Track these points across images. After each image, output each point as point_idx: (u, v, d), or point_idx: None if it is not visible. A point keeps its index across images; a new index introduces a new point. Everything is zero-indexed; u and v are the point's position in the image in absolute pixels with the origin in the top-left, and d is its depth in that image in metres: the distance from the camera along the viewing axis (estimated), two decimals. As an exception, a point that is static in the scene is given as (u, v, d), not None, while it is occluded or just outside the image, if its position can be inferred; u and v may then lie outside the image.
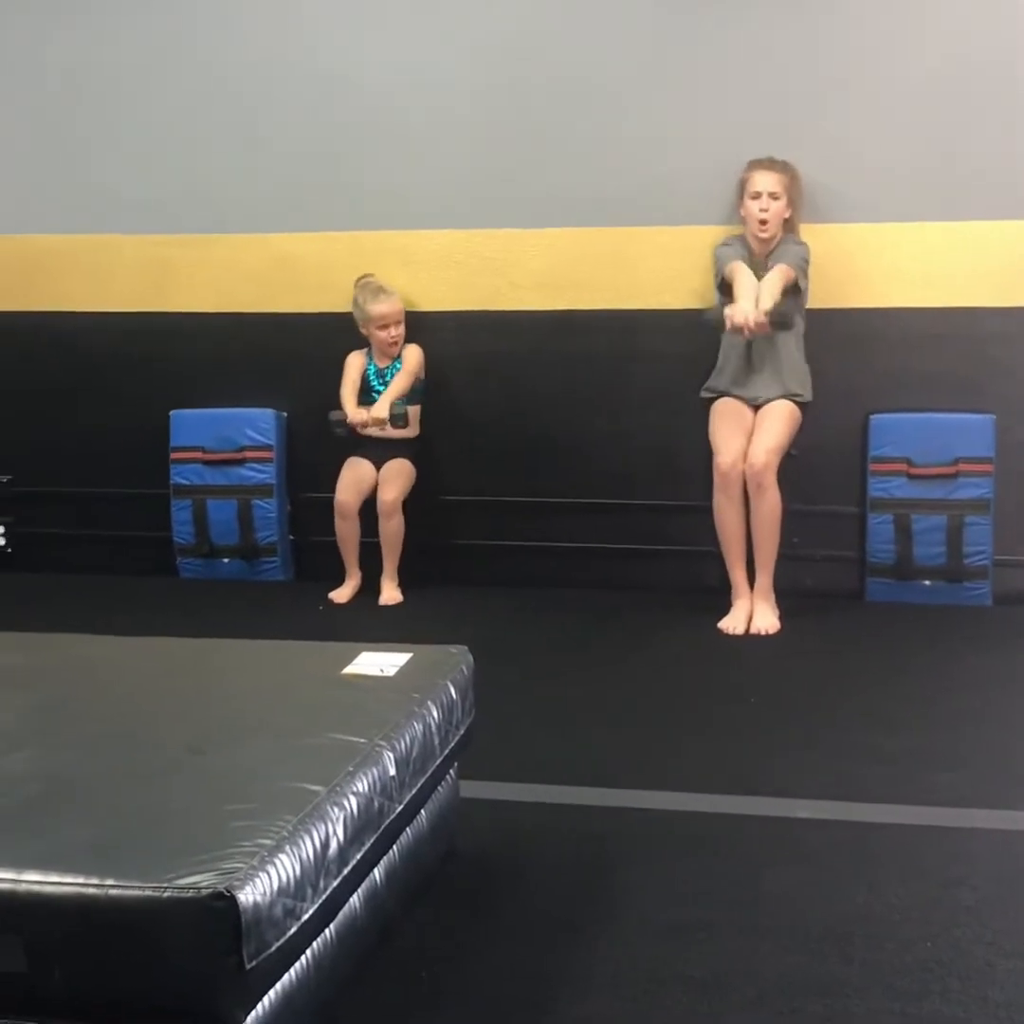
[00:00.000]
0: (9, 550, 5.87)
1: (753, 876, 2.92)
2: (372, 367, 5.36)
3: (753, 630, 4.73)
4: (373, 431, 5.23)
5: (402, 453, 5.31)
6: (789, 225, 4.95)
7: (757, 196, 4.86)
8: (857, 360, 5.07)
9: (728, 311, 4.69)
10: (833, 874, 2.93)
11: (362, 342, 5.37)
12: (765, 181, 4.87)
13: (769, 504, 4.74)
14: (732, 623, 4.76)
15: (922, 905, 2.78)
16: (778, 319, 4.68)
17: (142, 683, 2.88)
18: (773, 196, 4.85)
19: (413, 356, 5.32)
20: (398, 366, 5.31)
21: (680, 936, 2.67)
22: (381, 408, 5.18)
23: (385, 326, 5.28)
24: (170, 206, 5.54)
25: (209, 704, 2.72)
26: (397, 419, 5.14)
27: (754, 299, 4.70)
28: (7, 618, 4.21)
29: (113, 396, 5.70)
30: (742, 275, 4.78)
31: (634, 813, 3.27)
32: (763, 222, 4.86)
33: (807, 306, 4.91)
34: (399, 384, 5.26)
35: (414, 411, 5.34)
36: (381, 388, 5.30)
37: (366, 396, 5.33)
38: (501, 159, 5.27)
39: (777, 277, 4.76)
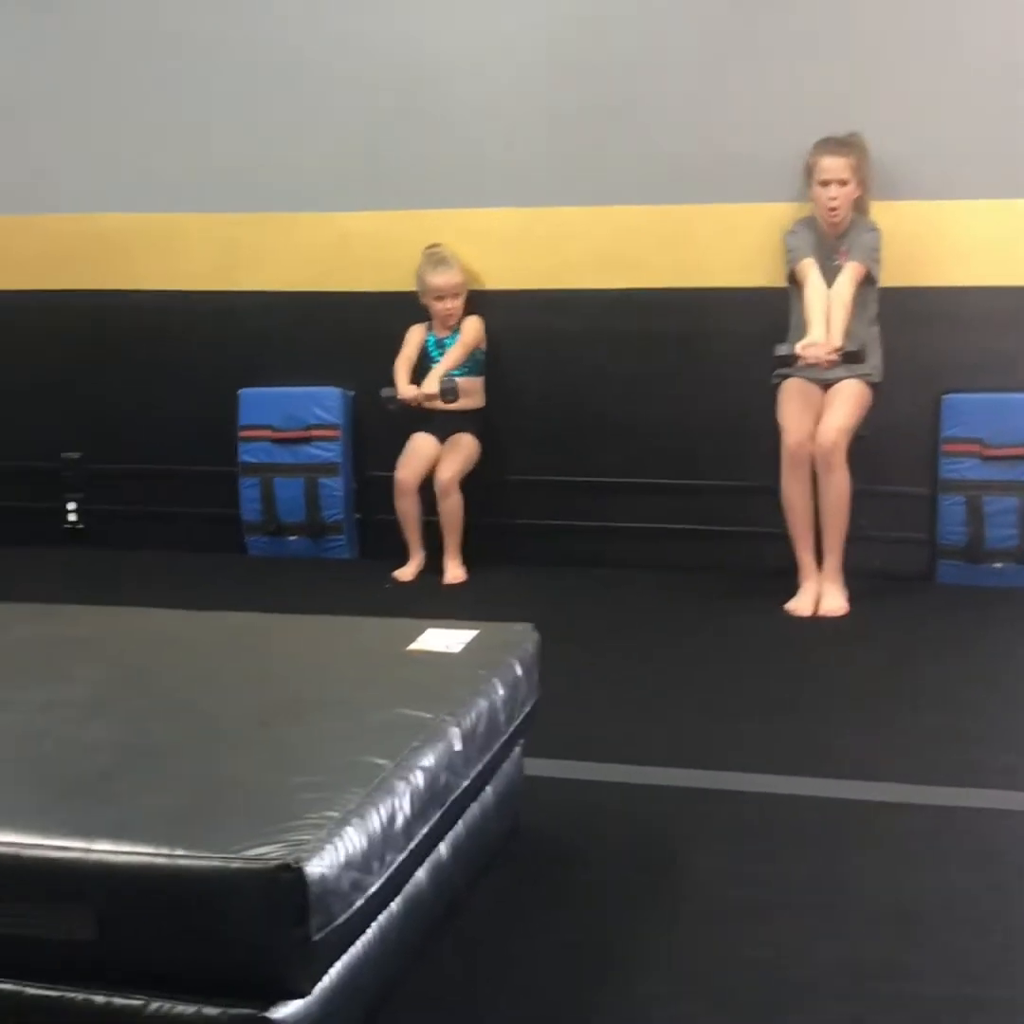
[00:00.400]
0: (81, 526, 5.93)
1: (821, 858, 2.90)
2: (431, 338, 5.36)
3: (821, 612, 4.69)
4: (438, 403, 5.22)
5: (466, 427, 5.31)
6: (860, 204, 4.88)
7: (825, 184, 4.79)
8: (930, 339, 5.00)
9: (800, 349, 4.65)
10: (902, 857, 2.90)
11: (427, 317, 5.39)
12: (832, 167, 4.78)
13: (838, 484, 4.69)
14: (800, 605, 4.72)
15: (994, 889, 2.75)
16: (851, 357, 4.66)
17: (211, 656, 2.90)
18: (841, 183, 4.78)
19: (471, 328, 5.31)
20: (457, 337, 5.31)
21: (746, 917, 2.65)
22: (431, 383, 5.17)
23: (441, 298, 5.27)
24: (239, 185, 5.57)
25: (277, 678, 2.73)
26: (447, 393, 5.13)
27: (825, 318, 4.66)
28: (79, 593, 4.26)
29: (183, 374, 5.74)
30: (812, 287, 4.73)
31: (700, 793, 3.26)
32: (833, 209, 4.80)
33: (880, 285, 4.85)
34: (452, 358, 5.24)
35: (477, 382, 5.35)
36: (440, 359, 5.31)
37: (424, 367, 5.33)
38: (562, 137, 5.25)
39: (848, 282, 4.72)
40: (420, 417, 5.31)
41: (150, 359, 5.77)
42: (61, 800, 2.08)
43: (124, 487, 5.86)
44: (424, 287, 5.30)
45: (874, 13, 4.94)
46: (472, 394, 5.33)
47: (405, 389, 5.22)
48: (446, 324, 5.33)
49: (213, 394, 5.65)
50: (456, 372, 5.24)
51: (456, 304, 5.29)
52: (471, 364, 5.32)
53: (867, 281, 4.79)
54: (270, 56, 5.48)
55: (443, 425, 5.29)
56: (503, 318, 5.37)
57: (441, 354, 5.31)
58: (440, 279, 5.27)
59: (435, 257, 5.29)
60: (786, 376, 4.86)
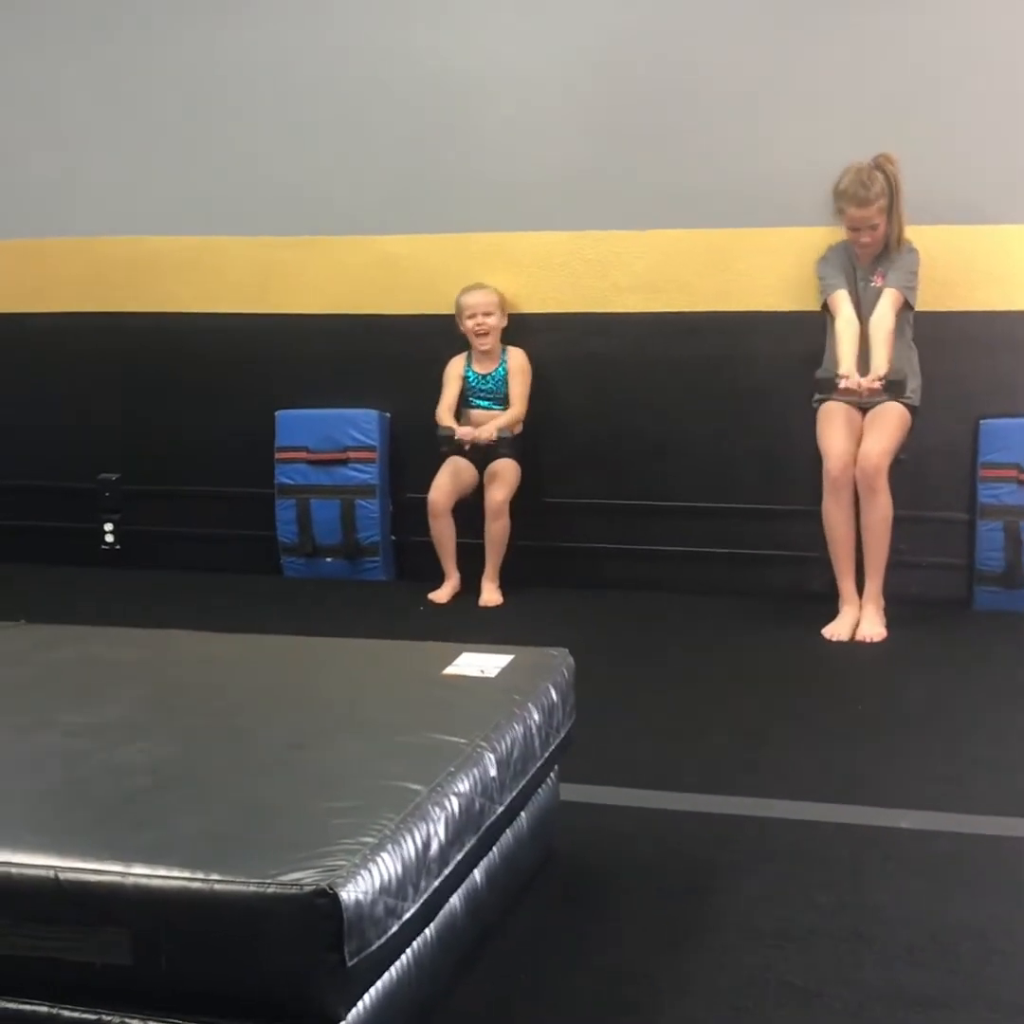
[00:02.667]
0: (118, 547, 5.96)
1: (856, 886, 2.88)
2: (471, 374, 5.38)
3: (859, 637, 4.66)
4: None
5: (506, 453, 5.31)
6: (895, 226, 4.83)
7: (855, 230, 4.77)
8: (968, 364, 4.99)
9: (838, 379, 4.63)
10: (937, 885, 2.88)
11: (464, 344, 5.40)
12: (862, 218, 4.72)
13: (881, 508, 4.67)
14: (837, 630, 4.70)
15: (1030, 919, 2.73)
16: (892, 388, 4.64)
17: (247, 679, 2.91)
18: (872, 228, 4.75)
19: (519, 375, 5.32)
20: (500, 373, 5.33)
21: (781, 944, 2.63)
22: (490, 431, 5.20)
23: (473, 315, 5.29)
24: (277, 208, 5.61)
25: (312, 701, 2.73)
26: (502, 443, 5.21)
27: (854, 353, 4.67)
28: (116, 614, 4.29)
29: (220, 396, 5.78)
30: (843, 320, 4.72)
31: (736, 820, 3.24)
32: (866, 248, 4.78)
33: (917, 309, 4.83)
34: (513, 415, 5.29)
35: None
36: (482, 392, 5.34)
37: (465, 402, 5.37)
38: (605, 160, 5.27)
39: (889, 310, 4.71)
40: (459, 442, 5.32)
41: (188, 381, 5.81)
42: (98, 822, 2.09)
43: (161, 508, 5.89)
44: (459, 310, 5.32)
45: (908, 39, 4.95)
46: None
47: (462, 430, 5.24)
48: (479, 344, 5.32)
49: (250, 416, 5.68)
50: (496, 405, 5.31)
51: (489, 322, 5.28)
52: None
53: (905, 306, 4.78)
54: (311, 80, 5.52)
55: (483, 450, 5.30)
56: (545, 341, 5.39)
57: (483, 386, 5.35)
58: (471, 297, 5.30)
59: (471, 285, 5.33)
60: (825, 399, 4.86)
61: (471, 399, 5.37)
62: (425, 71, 5.40)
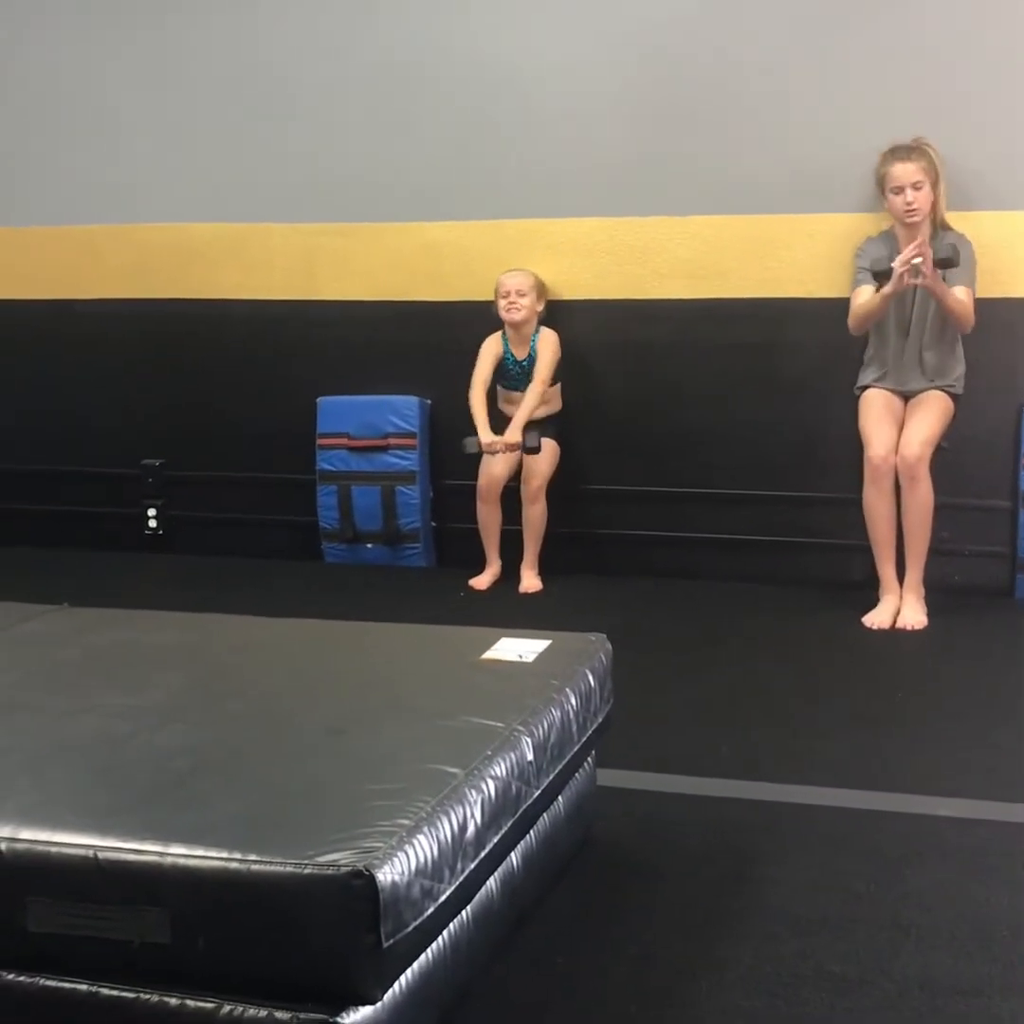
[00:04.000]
0: (160, 532, 6.00)
1: (895, 873, 2.87)
2: (510, 357, 5.37)
3: (900, 625, 4.64)
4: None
5: (545, 432, 5.28)
6: (937, 212, 4.80)
7: (899, 190, 4.71)
8: (1011, 351, 4.95)
9: (899, 259, 4.55)
10: (977, 873, 2.86)
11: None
12: (904, 173, 4.68)
13: (922, 496, 4.64)
14: (878, 618, 4.68)
15: (1070, 908, 2.71)
16: (945, 263, 4.56)
17: (287, 663, 2.93)
18: (916, 186, 4.70)
19: (546, 353, 5.28)
20: (533, 356, 5.31)
21: (820, 931, 2.63)
22: (514, 433, 5.17)
23: (506, 294, 5.27)
24: (320, 195, 5.62)
25: (351, 685, 2.74)
26: (531, 450, 5.16)
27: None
28: (158, 598, 4.31)
29: (262, 383, 5.80)
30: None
31: (774, 806, 3.24)
32: (911, 212, 4.71)
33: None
34: (530, 404, 5.22)
35: (554, 389, 5.36)
36: (519, 377, 5.33)
37: (504, 385, 5.37)
38: (645, 147, 5.25)
39: (965, 301, 4.68)
40: (500, 420, 5.31)
41: (231, 367, 5.84)
42: (138, 804, 2.11)
43: (203, 494, 5.93)
44: (495, 290, 5.31)
45: (950, 24, 4.89)
46: (550, 400, 5.34)
47: (486, 436, 5.16)
48: (510, 323, 5.30)
49: (292, 402, 5.70)
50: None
51: (521, 302, 5.26)
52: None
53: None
54: (355, 68, 5.52)
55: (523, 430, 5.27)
56: (585, 327, 5.37)
57: (520, 375, 5.33)
58: (508, 277, 5.29)
59: (513, 268, 5.32)
60: (866, 387, 4.83)
61: (510, 383, 5.36)
62: (468, 59, 5.40)
